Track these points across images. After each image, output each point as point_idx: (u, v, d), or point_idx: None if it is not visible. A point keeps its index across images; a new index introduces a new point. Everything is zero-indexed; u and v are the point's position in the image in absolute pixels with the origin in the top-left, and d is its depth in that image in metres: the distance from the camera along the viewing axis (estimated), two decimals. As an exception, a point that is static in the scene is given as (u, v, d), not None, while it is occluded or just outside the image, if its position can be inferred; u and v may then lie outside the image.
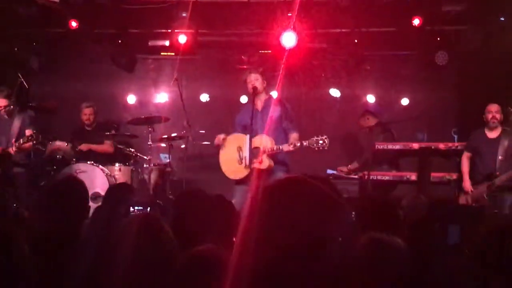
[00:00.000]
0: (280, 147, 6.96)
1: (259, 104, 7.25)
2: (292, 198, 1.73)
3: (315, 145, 6.79)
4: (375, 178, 8.23)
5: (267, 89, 7.47)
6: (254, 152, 7.00)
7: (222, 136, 7.31)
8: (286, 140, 7.09)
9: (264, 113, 7.19)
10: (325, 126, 10.29)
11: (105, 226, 3.10)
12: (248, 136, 6.93)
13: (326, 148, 6.76)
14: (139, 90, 10.83)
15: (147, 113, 9.36)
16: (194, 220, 3.46)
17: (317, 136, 6.80)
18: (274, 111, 7.11)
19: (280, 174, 6.87)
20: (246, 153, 7.05)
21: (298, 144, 6.87)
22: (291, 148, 6.89)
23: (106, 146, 9.22)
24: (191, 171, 9.69)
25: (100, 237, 2.81)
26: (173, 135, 9.03)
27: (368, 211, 3.64)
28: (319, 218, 1.70)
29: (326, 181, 3.07)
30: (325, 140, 6.79)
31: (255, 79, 7.22)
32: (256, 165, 6.97)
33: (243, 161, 7.10)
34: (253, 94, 7.17)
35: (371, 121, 9.02)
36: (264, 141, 6.96)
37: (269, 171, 6.91)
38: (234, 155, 7.20)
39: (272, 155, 7.05)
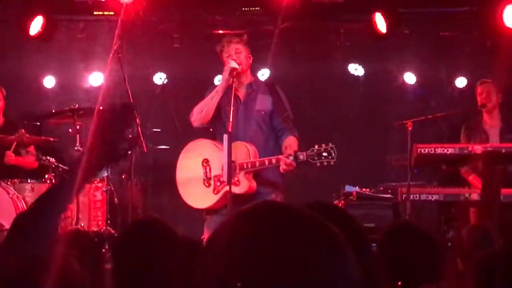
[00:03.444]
0: (267, 161, 6.82)
1: (240, 91, 7.12)
2: (263, 236, 1.75)
3: (316, 158, 6.61)
4: (417, 197, 8.23)
5: (252, 68, 7.41)
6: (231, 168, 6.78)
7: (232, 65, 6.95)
8: (276, 148, 7.00)
9: (248, 106, 7.09)
10: (341, 120, 10.81)
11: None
12: (225, 142, 6.69)
13: (332, 163, 6.61)
14: (61, 68, 10.79)
15: (73, 102, 9.40)
16: (150, 273, 3.44)
17: (319, 146, 6.63)
18: (262, 103, 7.03)
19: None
20: (216, 169, 7.00)
21: (300, 156, 6.69)
22: (286, 162, 6.68)
23: (31, 159, 9.24)
24: (142, 191, 9.84)
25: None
26: (113, 136, 9.14)
27: (399, 247, 3.65)
28: (305, 267, 1.73)
29: (334, 211, 3.07)
30: (331, 150, 6.63)
31: (237, 51, 7.08)
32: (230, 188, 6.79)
33: (212, 182, 7.06)
34: (233, 74, 7.00)
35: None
36: (242, 151, 6.88)
37: (250, 196, 6.78)
38: (198, 172, 7.11)
39: (255, 173, 6.95)
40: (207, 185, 7.05)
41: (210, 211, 7.08)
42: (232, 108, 6.68)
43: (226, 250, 1.75)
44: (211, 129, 7.29)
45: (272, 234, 1.73)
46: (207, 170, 7.05)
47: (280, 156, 6.71)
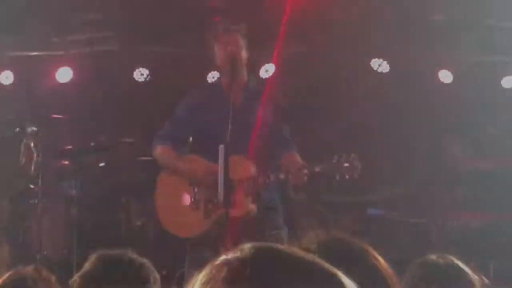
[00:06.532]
0: (273, 176, 6.71)
1: (234, 95, 6.89)
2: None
3: (335, 172, 6.50)
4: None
5: (253, 62, 7.41)
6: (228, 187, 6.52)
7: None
8: (272, 165, 6.90)
9: (247, 111, 6.90)
10: (360, 128, 10.61)
11: None
12: (221, 154, 6.31)
13: (356, 176, 6.48)
14: (20, 61, 10.37)
15: (35, 104, 9.60)
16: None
17: (339, 156, 6.49)
18: (262, 112, 6.93)
19: (276, 232, 6.79)
20: (207, 189, 6.79)
21: (316, 168, 6.60)
22: (299, 176, 6.57)
23: None
24: (121, 212, 9.82)
25: None
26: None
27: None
28: None
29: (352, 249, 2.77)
30: (353, 162, 6.48)
31: (235, 43, 6.96)
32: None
33: (201, 205, 6.77)
34: (232, 68, 6.87)
35: None
36: (242, 167, 6.68)
37: (249, 221, 6.64)
38: (184, 194, 6.94)
39: (257, 195, 6.78)
40: (195, 208, 6.88)
41: (196, 244, 6.84)
42: (230, 113, 6.56)
43: None
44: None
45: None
46: (196, 191, 6.91)
47: (291, 170, 6.66)
